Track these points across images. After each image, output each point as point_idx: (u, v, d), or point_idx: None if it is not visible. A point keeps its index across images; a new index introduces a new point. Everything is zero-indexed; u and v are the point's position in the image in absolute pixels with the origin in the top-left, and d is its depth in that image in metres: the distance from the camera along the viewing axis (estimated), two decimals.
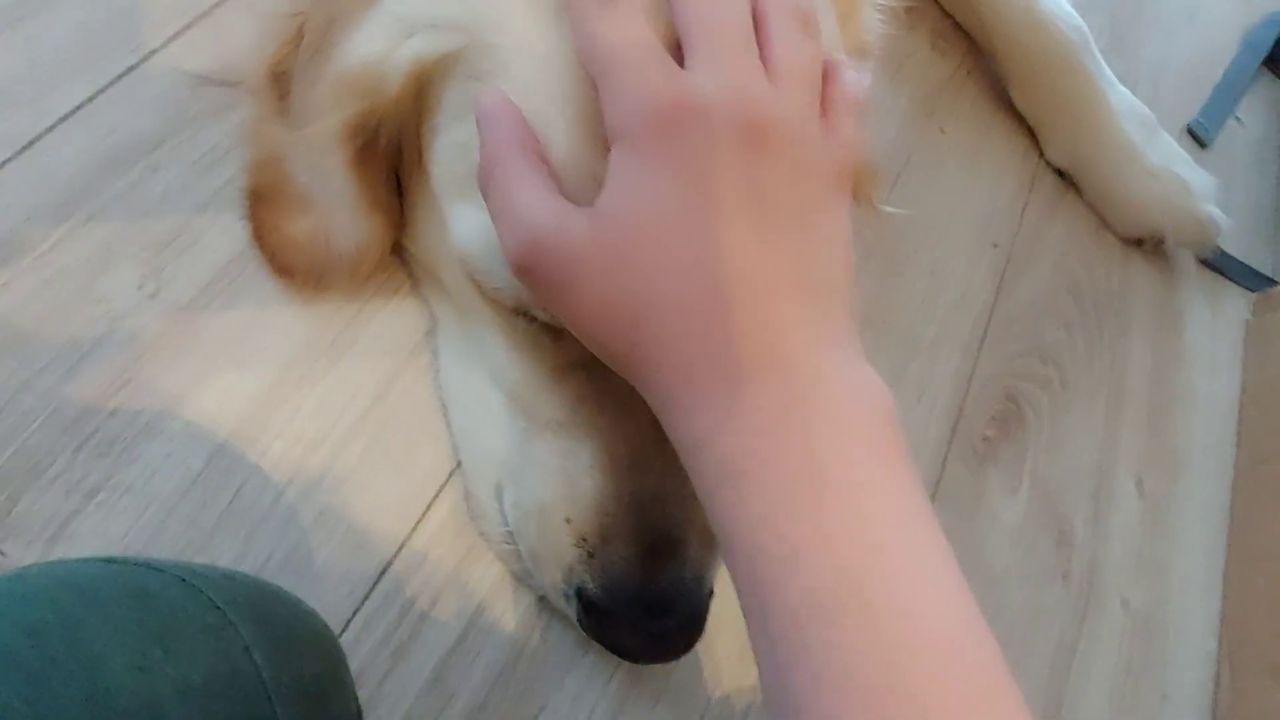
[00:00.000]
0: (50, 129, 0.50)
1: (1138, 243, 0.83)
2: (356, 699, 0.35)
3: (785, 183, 0.32)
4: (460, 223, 0.41)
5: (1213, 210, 0.79)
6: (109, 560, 0.29)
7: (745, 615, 0.32)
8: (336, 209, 0.45)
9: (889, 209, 0.62)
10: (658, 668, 0.49)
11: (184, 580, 0.29)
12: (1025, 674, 0.59)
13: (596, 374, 0.41)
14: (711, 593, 0.43)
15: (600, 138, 0.34)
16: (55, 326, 0.45)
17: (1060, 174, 0.84)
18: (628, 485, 0.41)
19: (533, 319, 0.41)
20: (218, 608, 0.28)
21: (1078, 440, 0.71)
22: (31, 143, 0.49)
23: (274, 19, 0.49)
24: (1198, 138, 0.93)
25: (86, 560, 0.29)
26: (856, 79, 0.38)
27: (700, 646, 0.50)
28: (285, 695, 0.28)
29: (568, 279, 0.32)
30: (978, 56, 0.86)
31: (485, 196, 0.36)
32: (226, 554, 0.44)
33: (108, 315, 0.46)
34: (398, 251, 0.52)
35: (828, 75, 0.36)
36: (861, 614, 0.28)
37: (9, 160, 0.48)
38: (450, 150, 0.41)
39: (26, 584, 0.27)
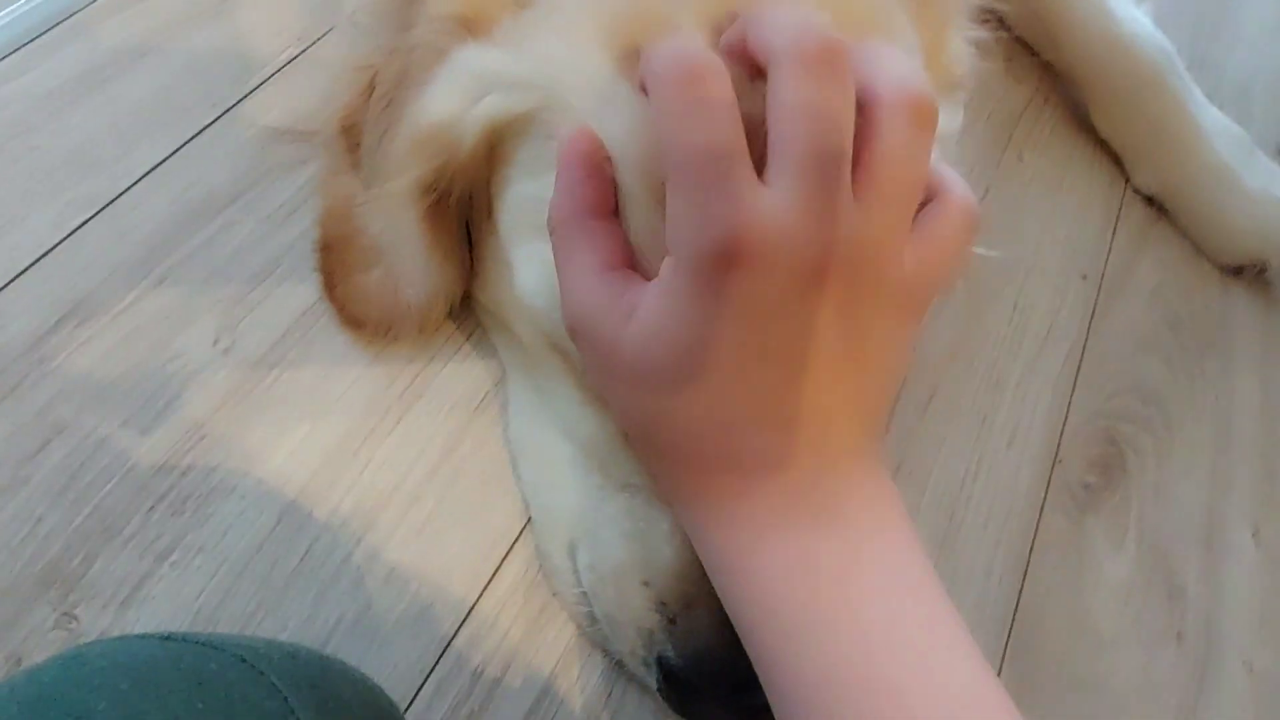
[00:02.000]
0: (129, 188, 0.50)
1: (1237, 271, 0.78)
2: None
3: (843, 318, 0.31)
4: (527, 270, 0.40)
5: None
6: (167, 638, 0.28)
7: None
8: (406, 261, 0.45)
9: (979, 250, 0.59)
10: None
11: (244, 661, 0.27)
12: None
13: None
14: None
15: (650, 180, 0.33)
16: (132, 383, 0.45)
17: (1150, 201, 0.79)
18: None
19: None
20: (279, 691, 0.27)
21: (1184, 486, 0.66)
22: (111, 202, 0.50)
23: (345, 72, 0.49)
24: None
25: (145, 638, 0.28)
26: (965, 193, 0.36)
27: None
28: None
29: (602, 363, 0.33)
30: (1055, 81, 0.82)
31: (552, 243, 0.35)
32: (297, 615, 0.43)
33: (183, 371, 0.46)
34: (467, 302, 0.51)
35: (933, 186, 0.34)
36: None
37: (90, 219, 0.49)
38: (520, 201, 0.40)
39: (83, 666, 0.25)
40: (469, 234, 0.47)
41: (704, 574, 0.38)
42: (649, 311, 0.31)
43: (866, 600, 0.30)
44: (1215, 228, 0.76)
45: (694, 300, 0.30)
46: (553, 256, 0.36)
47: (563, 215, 0.34)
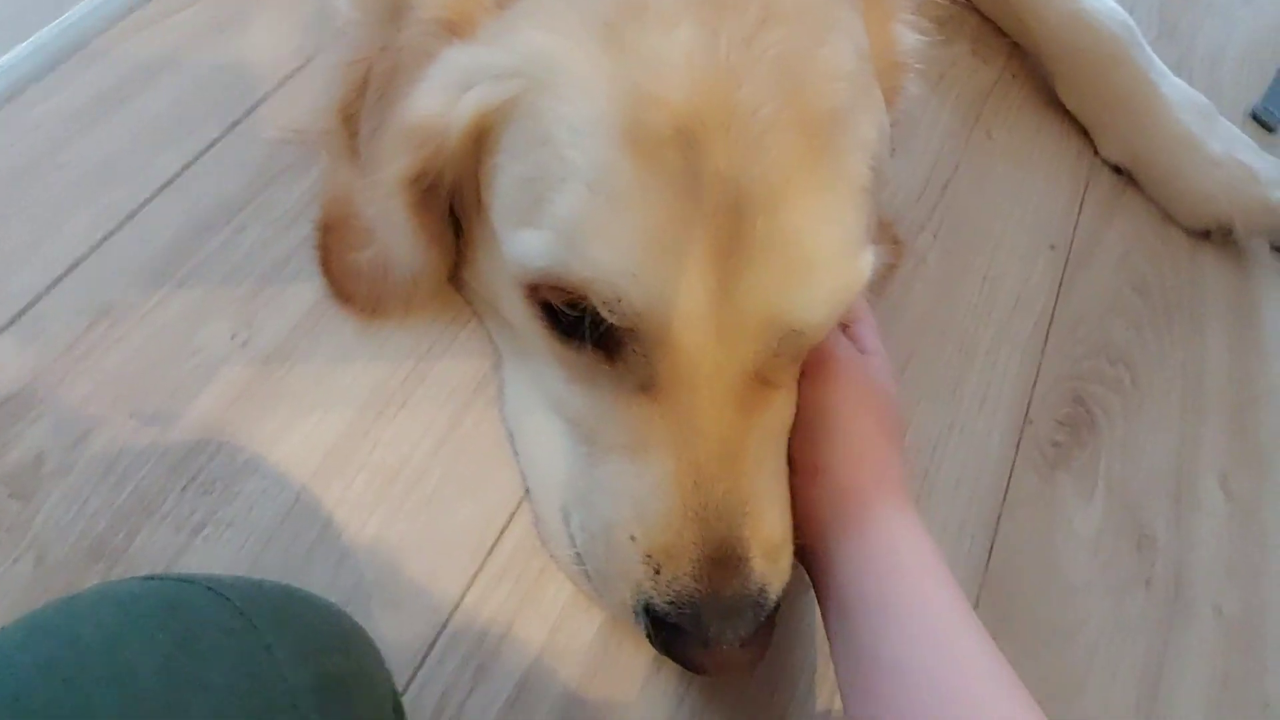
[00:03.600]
0: (150, 199, 0.55)
1: (1205, 235, 0.81)
2: (395, 695, 0.38)
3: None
4: (524, 247, 0.42)
5: None
6: (149, 578, 0.33)
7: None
8: (396, 243, 0.48)
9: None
10: (732, 682, 0.50)
11: (211, 589, 0.32)
12: (1112, 690, 0.58)
13: (659, 397, 0.43)
14: (778, 605, 0.44)
15: (641, 141, 0.37)
16: (160, 376, 0.50)
17: (1118, 171, 0.82)
18: (691, 503, 0.42)
19: (585, 345, 0.43)
20: (241, 612, 0.31)
21: (1154, 441, 0.69)
22: (134, 213, 0.54)
23: (340, 66, 0.53)
24: (1263, 122, 0.90)
25: (130, 579, 0.33)
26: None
27: (774, 659, 0.51)
28: (306, 689, 0.31)
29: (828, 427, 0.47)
30: (1021, 60, 0.85)
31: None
32: (319, 581, 0.47)
33: (205, 364, 0.51)
34: (461, 288, 0.55)
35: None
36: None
37: (116, 229, 0.53)
38: (511, 184, 0.43)
39: (75, 603, 0.30)
40: (457, 222, 0.51)
41: (684, 525, 0.42)
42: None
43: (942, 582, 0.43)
44: (1181, 193, 0.79)
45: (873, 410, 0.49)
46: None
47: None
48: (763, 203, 0.38)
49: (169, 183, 0.55)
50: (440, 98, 0.42)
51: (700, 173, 0.37)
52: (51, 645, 0.29)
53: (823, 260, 0.39)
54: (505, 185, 0.43)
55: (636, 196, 0.37)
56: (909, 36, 0.50)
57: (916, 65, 0.52)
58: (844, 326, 0.56)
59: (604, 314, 0.40)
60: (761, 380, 0.43)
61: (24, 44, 0.57)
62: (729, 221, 0.38)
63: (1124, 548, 0.64)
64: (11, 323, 0.49)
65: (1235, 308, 0.79)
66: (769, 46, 0.38)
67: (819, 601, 0.47)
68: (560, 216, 0.39)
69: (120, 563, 0.45)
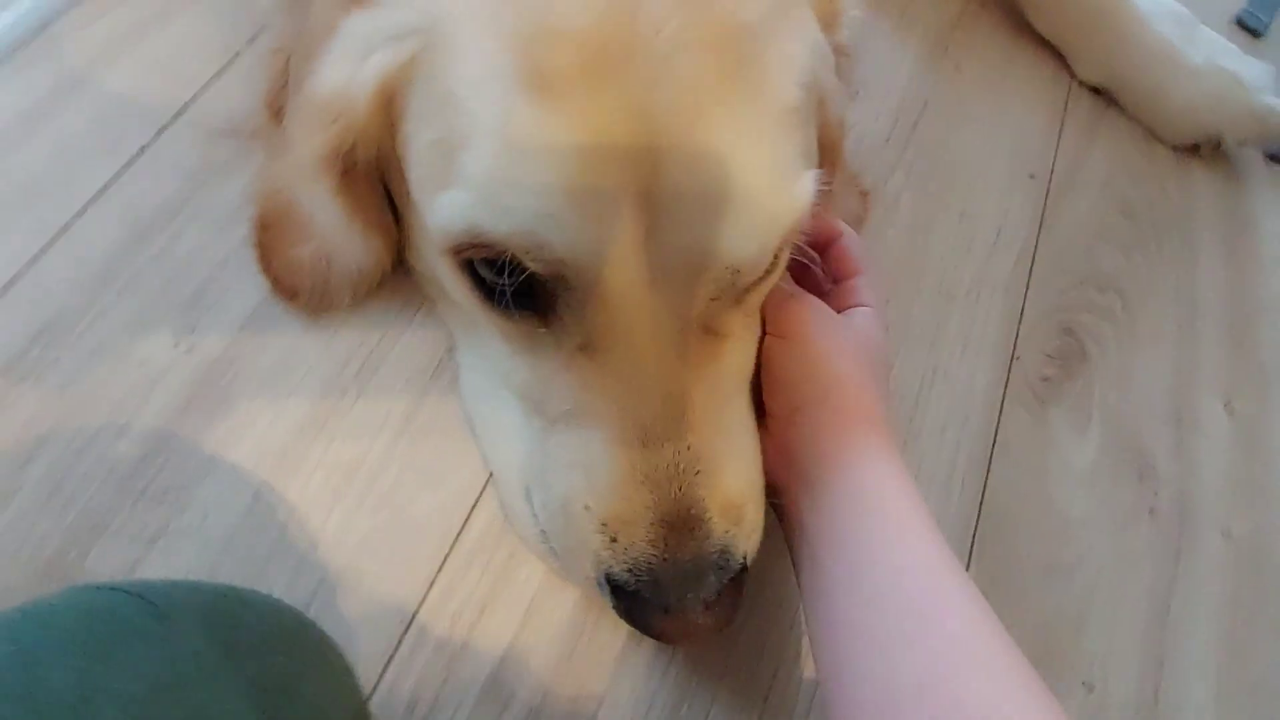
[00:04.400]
0: (80, 212, 0.53)
1: (1194, 149, 0.77)
2: (352, 684, 0.37)
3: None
4: (442, 211, 0.39)
5: (1270, 101, 0.72)
6: (73, 589, 0.31)
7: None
8: (334, 232, 0.47)
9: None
10: (717, 651, 0.49)
11: (134, 595, 0.30)
12: (1120, 623, 0.56)
13: (597, 357, 0.41)
14: (745, 567, 0.43)
15: (542, 82, 0.35)
16: (105, 392, 0.49)
17: (1097, 92, 0.79)
18: (640, 465, 0.40)
19: (519, 312, 0.41)
20: (165, 616, 0.30)
21: (1150, 368, 0.66)
22: (65, 228, 0.53)
23: (263, 58, 0.51)
24: (1249, 28, 0.86)
25: (56, 592, 0.31)
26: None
27: (759, 625, 0.50)
28: (239, 693, 0.29)
29: (805, 361, 0.46)
30: None
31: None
32: (279, 584, 0.46)
33: (150, 375, 0.50)
34: (411, 273, 0.54)
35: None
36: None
37: (46, 247, 0.52)
38: (424, 151, 0.41)
39: None
40: (395, 209, 0.49)
41: (634, 490, 0.40)
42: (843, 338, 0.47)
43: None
44: (1165, 108, 0.76)
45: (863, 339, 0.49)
46: None
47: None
48: (679, 130, 0.35)
49: (100, 193, 0.54)
50: (343, 68, 0.41)
51: (608, 105, 0.35)
52: None
53: (748, 187, 0.37)
54: (418, 153, 0.41)
55: (545, 140, 0.35)
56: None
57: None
58: (821, 249, 0.53)
59: (527, 263, 0.37)
60: (705, 329, 0.41)
61: None
62: (646, 154, 0.35)
63: (1124, 478, 0.61)
64: None
65: (1229, 223, 0.75)
66: None
67: (790, 547, 0.45)
68: (472, 173, 0.37)
69: (76, 581, 0.44)
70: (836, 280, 0.53)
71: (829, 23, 0.48)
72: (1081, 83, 0.79)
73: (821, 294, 0.51)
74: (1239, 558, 0.60)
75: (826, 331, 0.47)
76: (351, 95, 0.41)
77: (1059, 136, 0.76)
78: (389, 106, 0.41)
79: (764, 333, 0.48)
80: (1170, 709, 0.54)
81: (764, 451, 0.46)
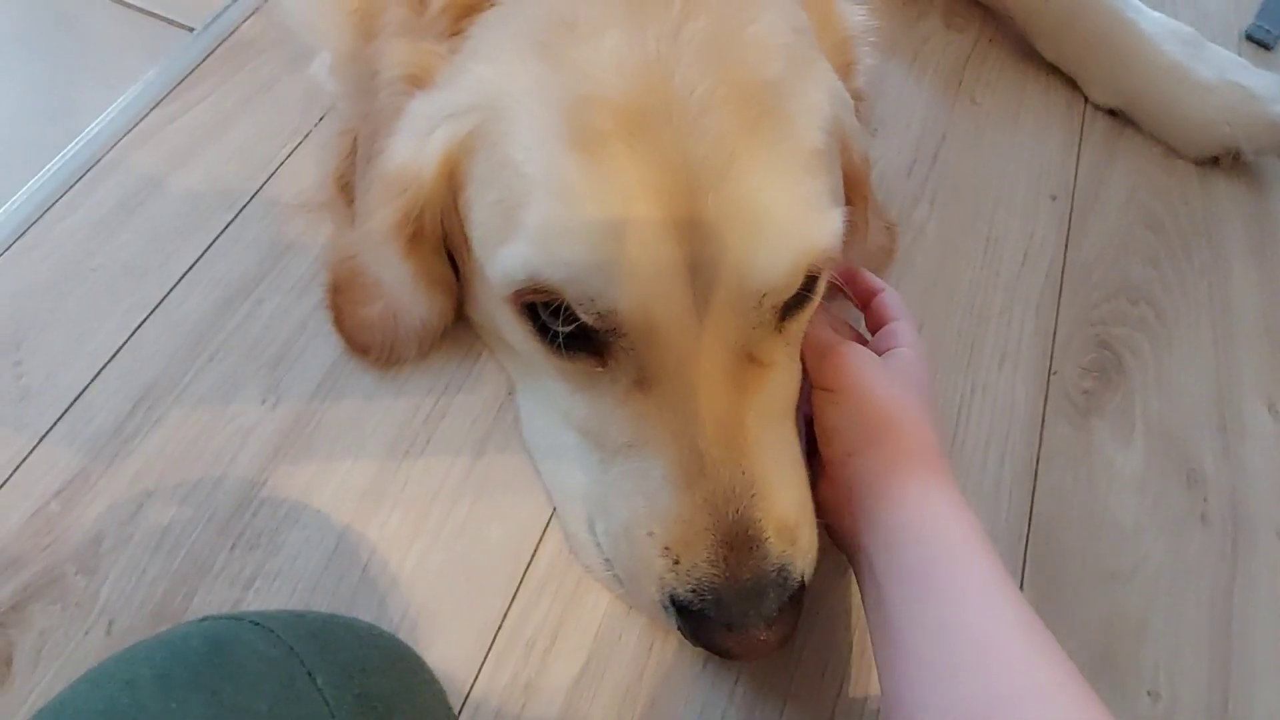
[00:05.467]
0: (174, 287, 0.59)
1: (1214, 161, 0.79)
2: (445, 703, 0.39)
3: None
4: (502, 263, 0.43)
5: None
6: (199, 620, 0.35)
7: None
8: (401, 291, 0.51)
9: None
10: (781, 667, 0.50)
11: (254, 624, 0.34)
12: (1182, 629, 0.56)
13: (652, 391, 0.44)
14: (803, 585, 0.45)
15: (588, 143, 0.39)
16: (201, 446, 0.53)
17: (1112, 114, 0.81)
18: (700, 490, 0.43)
19: (578, 354, 0.44)
20: (283, 642, 0.33)
21: (1189, 374, 0.67)
22: (161, 301, 0.58)
23: (331, 138, 0.57)
24: (1259, 41, 0.88)
25: (182, 624, 0.35)
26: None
27: (821, 641, 0.51)
28: (348, 710, 0.32)
29: (856, 404, 0.47)
30: (996, 24, 0.86)
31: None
32: (366, 617, 0.49)
33: (241, 429, 0.54)
34: (470, 324, 0.58)
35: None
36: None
37: (146, 319, 0.57)
38: (485, 211, 0.45)
39: (133, 650, 0.33)
40: (454, 265, 0.53)
41: (694, 513, 0.43)
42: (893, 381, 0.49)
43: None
44: (1180, 124, 0.78)
45: (911, 379, 0.50)
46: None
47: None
48: (713, 178, 0.39)
49: (189, 270, 0.60)
50: (410, 145, 0.45)
51: (650, 162, 0.39)
52: (111, 689, 0.31)
53: (776, 218, 0.40)
54: (480, 214, 0.45)
55: (593, 195, 0.39)
56: (852, 12, 0.51)
57: (866, 38, 0.53)
58: (862, 302, 0.57)
59: (580, 314, 0.41)
60: (750, 358, 0.44)
61: (44, 169, 0.62)
62: (685, 203, 0.39)
63: (1172, 485, 0.62)
64: (63, 415, 0.53)
65: (1256, 228, 0.77)
66: (696, 34, 0.40)
67: (858, 581, 0.47)
68: (529, 227, 0.41)
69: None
70: (874, 329, 0.55)
71: (845, 71, 0.52)
72: (1095, 106, 0.82)
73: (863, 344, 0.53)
74: None
75: (873, 376, 0.48)
76: (419, 167, 0.45)
77: (1077, 158, 0.79)
78: (452, 175, 0.46)
79: (806, 378, 0.50)
80: (1241, 714, 0.54)
81: (823, 493, 0.48)
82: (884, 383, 0.48)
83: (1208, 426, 0.65)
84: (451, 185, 0.46)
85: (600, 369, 0.45)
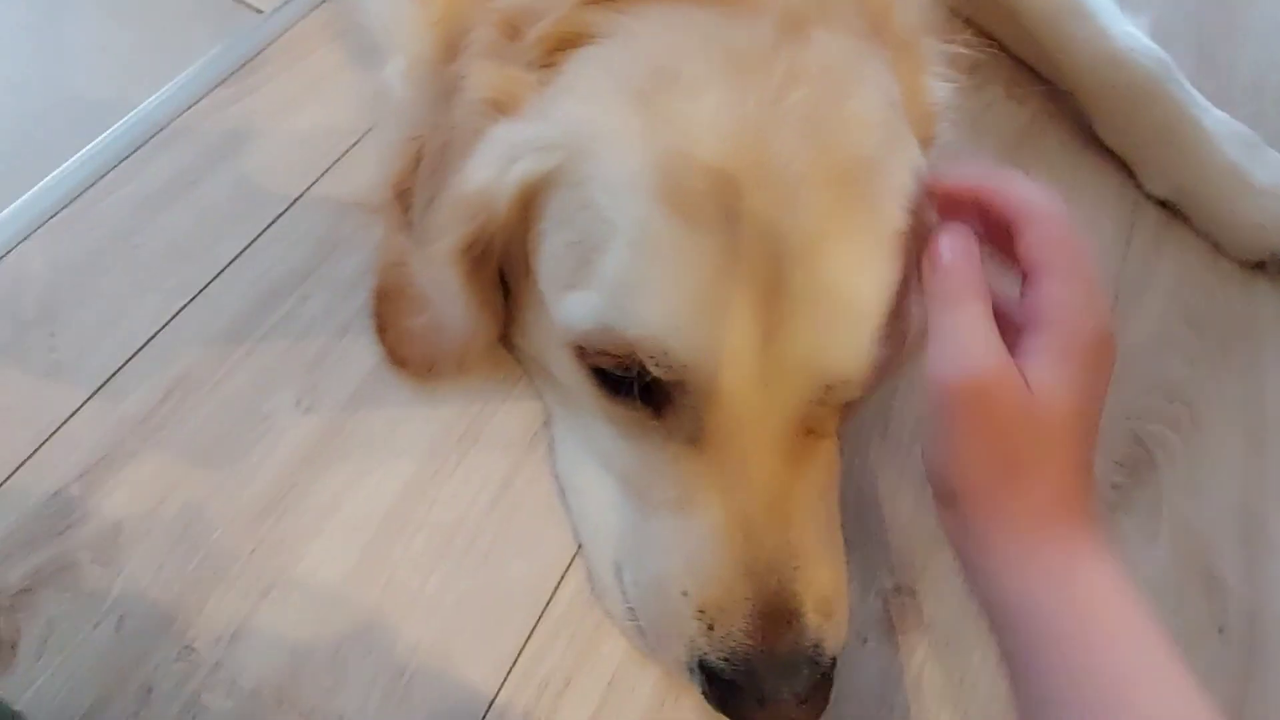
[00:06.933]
0: (218, 275, 0.58)
1: (1259, 265, 0.79)
2: None
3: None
4: (572, 309, 0.43)
5: None
6: None
7: None
8: (449, 310, 0.51)
9: None
10: None
11: None
12: None
13: (706, 452, 0.43)
14: (834, 661, 0.44)
15: (679, 201, 0.39)
16: (230, 443, 0.52)
17: (1164, 205, 0.81)
18: (741, 556, 0.42)
19: (634, 401, 0.44)
20: None
21: (1218, 480, 0.67)
22: (204, 288, 0.57)
23: (396, 144, 0.56)
24: None
25: None
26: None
27: (830, 713, 0.51)
28: None
29: (979, 414, 0.38)
30: (1057, 99, 0.85)
31: (934, 313, 0.40)
32: (381, 640, 0.48)
33: (273, 430, 0.53)
34: (510, 349, 0.57)
35: None
36: None
37: (187, 304, 0.56)
38: (558, 251, 0.45)
39: None
40: (505, 285, 0.52)
41: (734, 579, 0.42)
42: (1051, 387, 0.38)
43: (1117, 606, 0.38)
44: (1231, 226, 0.78)
45: (1079, 379, 0.39)
46: (934, 322, 0.40)
47: (955, 290, 0.40)
48: (800, 254, 0.39)
49: (235, 259, 0.59)
50: (490, 171, 0.45)
51: (738, 228, 0.38)
52: None
53: (859, 309, 0.40)
54: (551, 251, 0.45)
55: (677, 253, 0.39)
56: (939, 86, 0.51)
57: (948, 113, 0.53)
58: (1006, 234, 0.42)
59: (650, 368, 0.41)
60: (806, 430, 0.43)
61: (98, 138, 0.61)
62: (768, 273, 0.39)
63: (1193, 592, 0.62)
64: (92, 396, 0.52)
65: None
66: (796, 104, 0.40)
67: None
68: (605, 277, 0.40)
69: (193, 626, 0.47)
70: (1027, 274, 0.42)
71: (925, 145, 0.51)
72: (1149, 196, 0.82)
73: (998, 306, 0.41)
74: None
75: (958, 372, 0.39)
76: (494, 196, 0.45)
77: (1127, 246, 0.78)
78: (527, 207, 0.45)
79: None
80: None
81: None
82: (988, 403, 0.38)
83: (1233, 536, 0.65)
84: (525, 217, 0.46)
85: (653, 420, 0.44)
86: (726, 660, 0.42)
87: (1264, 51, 0.98)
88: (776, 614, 0.42)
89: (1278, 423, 0.71)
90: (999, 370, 0.38)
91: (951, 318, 0.39)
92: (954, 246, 0.41)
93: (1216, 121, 0.78)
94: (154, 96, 0.63)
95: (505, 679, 0.49)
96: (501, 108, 0.46)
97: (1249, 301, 0.78)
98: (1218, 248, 0.80)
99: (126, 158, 0.61)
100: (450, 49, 0.52)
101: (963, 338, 0.39)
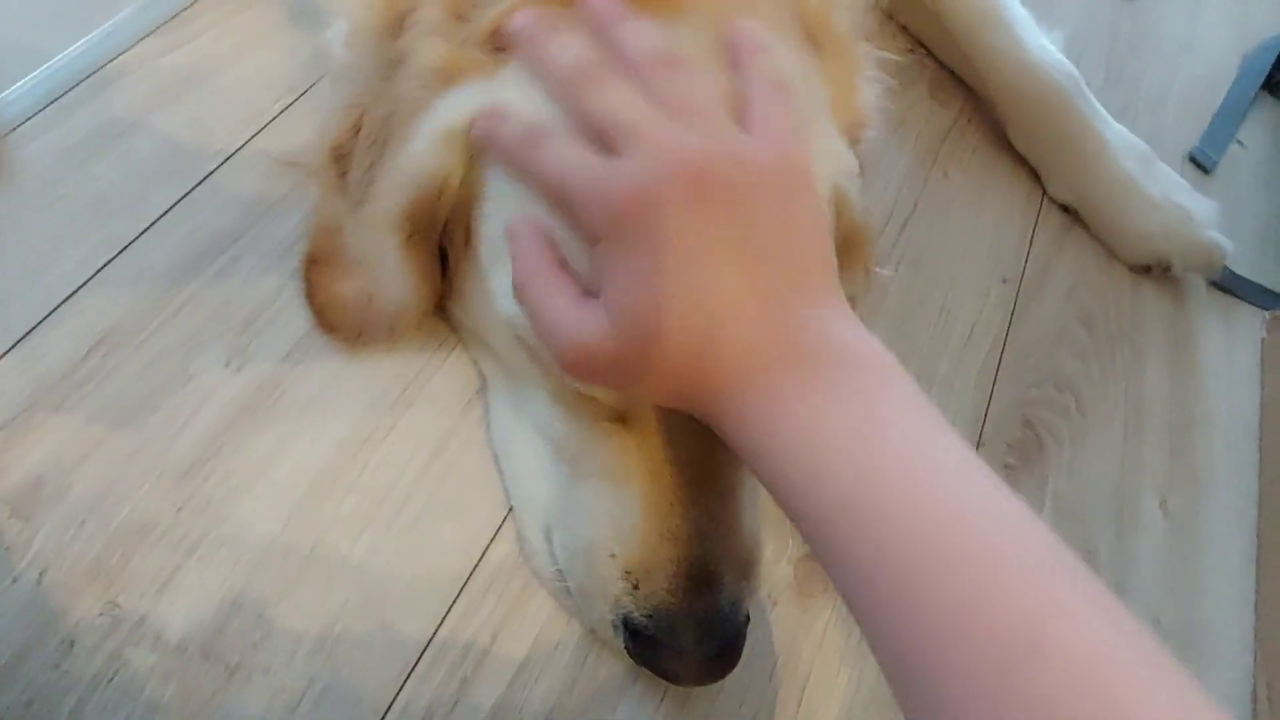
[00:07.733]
0: (146, 230, 0.57)
1: (1146, 270, 0.86)
2: None
3: (735, 205, 0.37)
4: (508, 283, 0.45)
5: (1215, 235, 0.82)
6: None
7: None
8: (383, 278, 0.51)
9: (880, 270, 0.67)
10: (701, 691, 0.53)
11: None
12: None
13: (635, 427, 0.46)
14: (748, 619, 0.47)
15: None
16: (156, 402, 0.52)
17: (1065, 209, 0.88)
18: (667, 524, 0.45)
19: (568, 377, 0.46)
20: None
21: (1098, 464, 0.74)
22: (131, 243, 0.56)
23: (335, 109, 0.56)
24: (1200, 164, 0.97)
25: None
26: (764, 63, 0.42)
27: (741, 669, 0.54)
28: None
29: (612, 367, 0.39)
30: (977, 104, 0.91)
31: (521, 305, 0.43)
32: (308, 599, 0.49)
33: (200, 390, 0.53)
34: (444, 316, 0.58)
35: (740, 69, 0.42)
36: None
37: (113, 259, 0.55)
38: (497, 224, 0.46)
39: None
40: (443, 255, 0.53)
41: (660, 545, 0.45)
42: (611, 297, 0.38)
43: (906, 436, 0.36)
44: (1124, 232, 0.85)
45: (626, 259, 0.37)
46: (524, 311, 0.43)
47: (529, 271, 0.42)
48: None
49: (165, 214, 0.58)
50: (435, 141, 0.45)
51: None
52: None
53: None
54: (494, 230, 0.46)
55: None
56: (869, 91, 0.54)
57: (875, 114, 0.56)
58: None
59: None
60: None
61: (19, 82, 0.59)
62: None
63: None
64: (10, 350, 0.51)
65: (1173, 339, 0.84)
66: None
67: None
68: None
69: (116, 582, 0.47)
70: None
71: (853, 136, 0.54)
72: (1052, 200, 0.88)
73: None
74: (1168, 646, 0.66)
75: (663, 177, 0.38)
76: (440, 164, 0.45)
77: (1029, 246, 0.84)
78: (468, 179, 0.46)
79: None
80: None
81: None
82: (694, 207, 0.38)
83: (1107, 514, 0.71)
84: (468, 190, 0.47)
85: (587, 395, 0.46)
86: (650, 617, 0.45)
87: (1167, 69, 1.06)
88: (699, 575, 0.45)
89: (1153, 414, 0.79)
90: (599, 335, 0.38)
91: (549, 314, 0.41)
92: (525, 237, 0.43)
93: (1117, 135, 0.84)
94: (79, 43, 0.61)
95: (433, 636, 0.50)
96: (449, 79, 0.47)
97: (1136, 303, 0.85)
98: (1111, 252, 0.87)
99: (50, 104, 0.59)
100: (395, 24, 0.52)
101: (562, 325, 0.40)
